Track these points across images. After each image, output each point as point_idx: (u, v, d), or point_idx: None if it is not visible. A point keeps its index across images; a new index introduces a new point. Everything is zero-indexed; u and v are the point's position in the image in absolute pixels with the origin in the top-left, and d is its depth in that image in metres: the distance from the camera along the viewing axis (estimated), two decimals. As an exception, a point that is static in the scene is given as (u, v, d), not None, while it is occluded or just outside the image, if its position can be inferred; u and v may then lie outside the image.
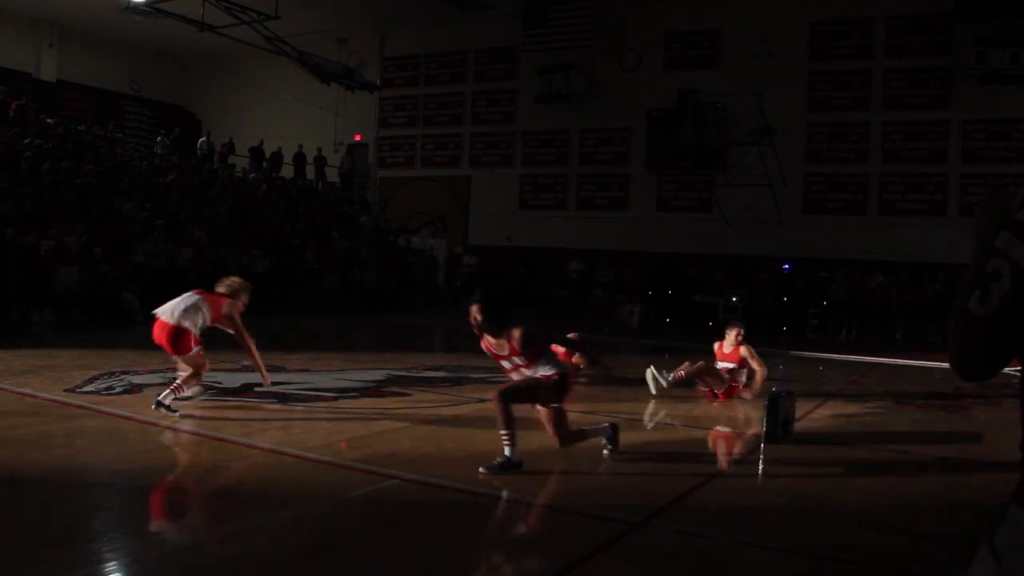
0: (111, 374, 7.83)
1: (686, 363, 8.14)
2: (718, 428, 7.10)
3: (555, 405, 5.28)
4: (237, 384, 7.86)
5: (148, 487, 4.55)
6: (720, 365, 8.14)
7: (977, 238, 1.34)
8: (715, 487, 5.00)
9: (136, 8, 19.26)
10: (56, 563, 3.29)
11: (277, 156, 23.25)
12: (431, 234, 23.17)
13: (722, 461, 5.78)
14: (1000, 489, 1.52)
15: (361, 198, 24.40)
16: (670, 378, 8.02)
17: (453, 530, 3.95)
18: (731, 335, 8.15)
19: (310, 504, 4.26)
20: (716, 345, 8.31)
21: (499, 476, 4.76)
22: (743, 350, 8.05)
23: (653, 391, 8.06)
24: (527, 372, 5.22)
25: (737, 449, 6.42)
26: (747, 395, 8.07)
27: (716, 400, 8.04)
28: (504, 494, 4.55)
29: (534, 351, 5.15)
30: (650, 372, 8.14)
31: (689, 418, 7.31)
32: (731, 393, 8.08)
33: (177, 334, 6.24)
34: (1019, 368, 1.37)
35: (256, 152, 23.02)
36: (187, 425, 6.07)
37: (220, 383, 7.84)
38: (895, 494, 5.07)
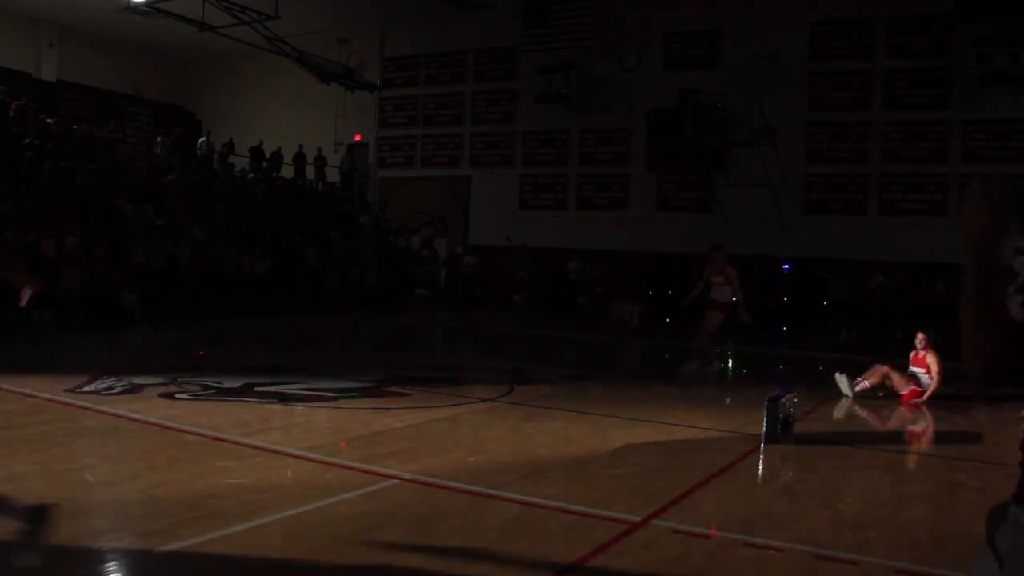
0: (111, 374, 7.83)
1: (872, 370, 8.43)
2: (718, 428, 7.10)
3: None
4: (237, 384, 7.86)
5: (148, 487, 4.54)
6: (912, 370, 8.46)
7: (977, 230, 1.29)
8: (715, 487, 5.00)
9: (136, 8, 19.24)
10: (56, 563, 3.29)
11: (277, 156, 23.24)
12: (431, 234, 23.17)
13: (722, 461, 5.76)
14: (1000, 489, 1.51)
15: (361, 198, 24.38)
16: (856, 388, 8.38)
17: (453, 530, 3.95)
18: (919, 342, 8.43)
19: (310, 504, 4.26)
20: (912, 354, 8.59)
21: None
22: (929, 357, 8.32)
23: (848, 393, 8.37)
24: None
25: (737, 449, 6.41)
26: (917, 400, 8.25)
27: (900, 402, 8.25)
28: (504, 494, 4.55)
29: None
30: (841, 378, 8.45)
31: (689, 418, 7.31)
32: (911, 396, 8.31)
33: None
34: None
35: (256, 152, 23.01)
36: (187, 425, 6.07)
37: (220, 383, 7.84)
38: (895, 494, 5.08)
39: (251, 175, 21.88)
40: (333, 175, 24.13)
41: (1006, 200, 1.27)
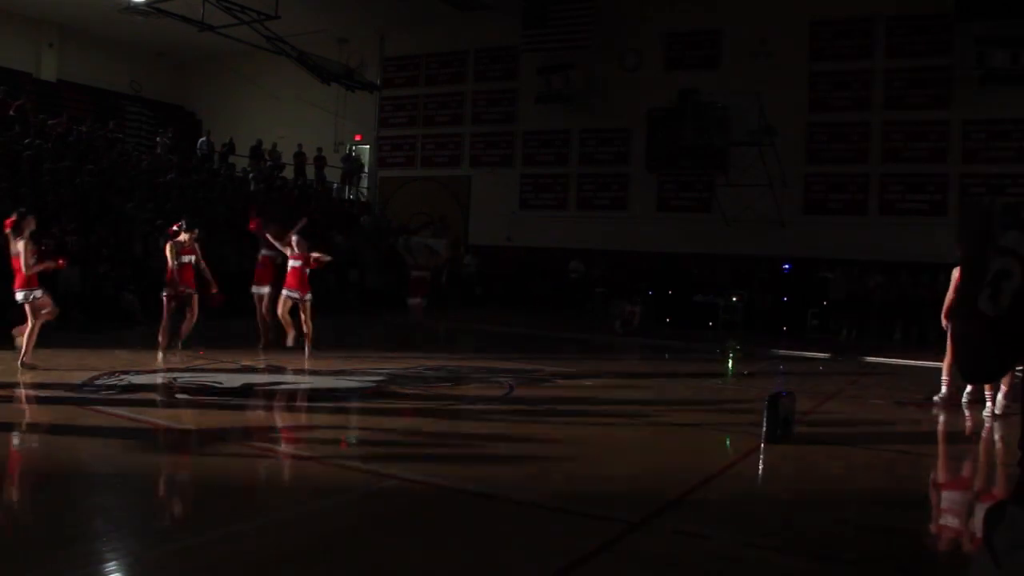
0: (111, 374, 7.83)
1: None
2: (718, 428, 7.10)
3: None
4: (237, 384, 7.86)
5: (148, 487, 4.55)
6: None
7: (968, 240, 1.34)
8: (715, 487, 5.00)
9: (136, 8, 19.25)
10: (56, 563, 3.29)
11: (277, 156, 23.25)
12: (431, 234, 23.14)
13: (722, 461, 5.78)
14: (999, 489, 1.52)
15: (360, 198, 24.41)
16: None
17: (453, 530, 3.95)
18: None
19: (310, 504, 4.26)
20: None
21: None
22: None
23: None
24: None
25: (737, 449, 6.41)
26: None
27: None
28: (503, 494, 4.55)
29: None
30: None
31: (689, 418, 7.31)
32: None
33: None
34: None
35: (255, 151, 23.01)
36: (187, 425, 6.08)
37: (220, 383, 7.85)
38: (895, 494, 5.08)
39: (252, 175, 21.88)
40: (333, 175, 24.15)
41: (993, 215, 1.31)
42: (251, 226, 10.67)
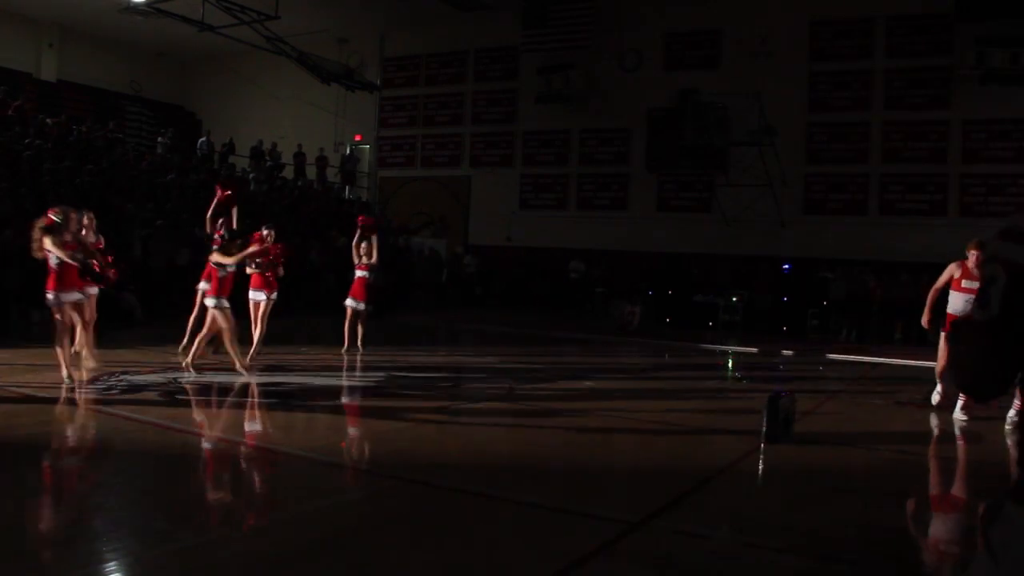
0: (111, 374, 7.83)
1: None
2: (718, 428, 7.09)
3: None
4: (237, 384, 7.86)
5: (148, 487, 4.55)
6: None
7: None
8: (715, 487, 5.00)
9: (136, 8, 19.25)
10: (56, 563, 3.29)
11: (276, 156, 23.24)
12: (431, 234, 23.18)
13: (722, 461, 5.78)
14: (998, 489, 1.52)
15: (360, 198, 24.42)
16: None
17: (453, 530, 3.95)
18: None
19: (310, 504, 4.26)
20: None
21: None
22: None
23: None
24: None
25: (737, 449, 6.41)
26: None
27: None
28: (503, 494, 4.56)
29: None
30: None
31: (689, 418, 7.31)
32: None
33: None
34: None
35: (256, 152, 23.01)
36: (187, 425, 6.08)
37: (220, 383, 7.85)
38: (895, 494, 5.08)
39: (252, 175, 21.89)
40: (333, 175, 24.16)
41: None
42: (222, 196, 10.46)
